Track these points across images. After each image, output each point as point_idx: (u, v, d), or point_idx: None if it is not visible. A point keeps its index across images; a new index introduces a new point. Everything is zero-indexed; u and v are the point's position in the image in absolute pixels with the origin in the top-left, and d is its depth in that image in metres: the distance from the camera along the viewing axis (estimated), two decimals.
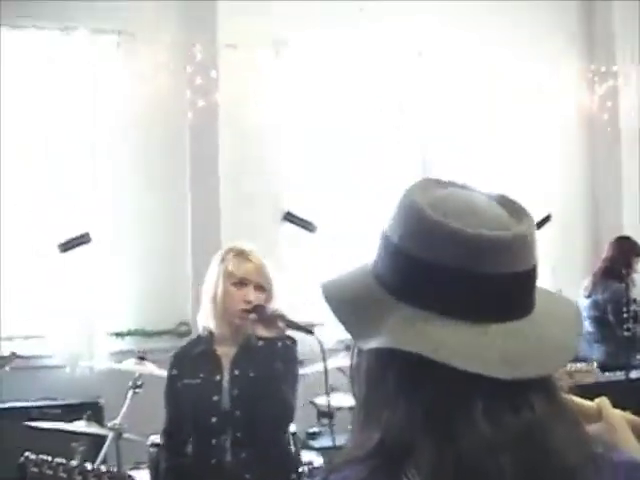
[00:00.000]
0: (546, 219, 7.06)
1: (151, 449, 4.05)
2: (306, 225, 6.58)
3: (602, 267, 6.44)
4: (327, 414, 6.07)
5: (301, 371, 5.59)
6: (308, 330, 3.18)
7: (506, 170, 7.22)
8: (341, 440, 5.76)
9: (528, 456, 1.06)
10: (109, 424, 4.49)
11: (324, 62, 6.80)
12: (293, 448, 3.52)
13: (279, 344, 3.24)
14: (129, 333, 6.19)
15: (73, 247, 5.94)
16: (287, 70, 6.64)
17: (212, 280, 3.34)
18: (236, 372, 3.28)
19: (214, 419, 3.22)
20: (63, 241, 5.95)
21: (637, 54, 7.53)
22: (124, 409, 4.42)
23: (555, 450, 1.08)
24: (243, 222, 6.24)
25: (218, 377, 3.28)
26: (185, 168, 6.32)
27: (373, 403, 1.14)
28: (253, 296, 3.26)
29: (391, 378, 1.11)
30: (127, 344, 6.11)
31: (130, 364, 4.76)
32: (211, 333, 3.36)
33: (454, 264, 1.08)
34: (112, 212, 6.20)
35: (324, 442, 5.49)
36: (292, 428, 4.47)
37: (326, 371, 2.99)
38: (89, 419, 4.51)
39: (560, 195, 7.48)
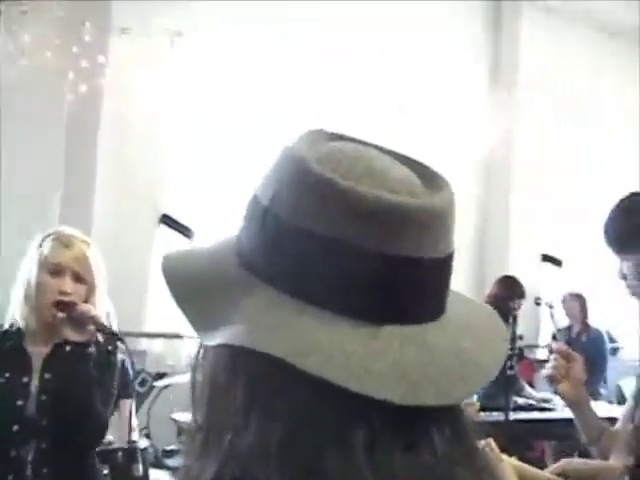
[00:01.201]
0: None
1: None
2: (183, 230, 6.24)
3: (487, 303, 6.34)
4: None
5: (162, 382, 5.42)
6: (119, 338, 2.88)
7: None
8: None
9: None
10: None
11: (220, 58, 6.51)
12: (102, 469, 3.15)
13: (91, 349, 2.84)
14: None
15: None
16: (181, 63, 6.32)
17: (26, 267, 2.91)
18: (47, 375, 2.85)
19: (16, 427, 2.78)
20: None
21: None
22: None
23: None
24: (118, 221, 5.86)
25: (26, 379, 2.84)
26: (59, 156, 5.88)
27: (214, 421, 0.83)
28: (70, 287, 2.83)
29: (240, 388, 0.80)
30: None
31: None
32: (19, 328, 2.91)
33: (338, 236, 0.79)
34: None
35: (180, 461, 5.15)
36: (143, 444, 4.15)
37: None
38: None
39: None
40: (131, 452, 4.11)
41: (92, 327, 2.79)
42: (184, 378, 5.02)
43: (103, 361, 2.89)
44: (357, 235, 0.78)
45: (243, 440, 0.77)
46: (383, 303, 0.80)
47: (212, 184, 6.60)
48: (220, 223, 6.60)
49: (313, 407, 0.77)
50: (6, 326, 2.93)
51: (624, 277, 2.28)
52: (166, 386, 5.45)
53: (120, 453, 3.96)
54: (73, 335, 2.79)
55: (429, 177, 0.86)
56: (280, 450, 0.76)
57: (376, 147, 0.88)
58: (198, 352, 0.87)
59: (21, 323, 2.88)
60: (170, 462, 5.11)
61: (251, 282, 0.83)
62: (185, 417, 4.78)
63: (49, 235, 2.92)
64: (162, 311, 5.64)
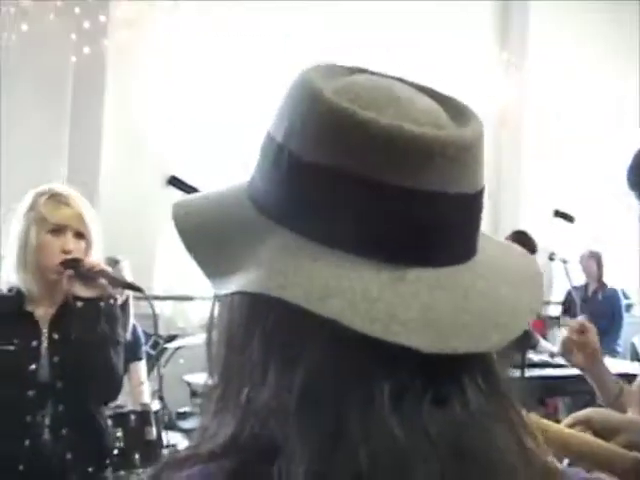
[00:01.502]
0: None
1: None
2: (191, 192, 6.15)
3: None
4: (198, 394, 5.77)
5: (174, 344, 5.39)
6: (135, 287, 2.79)
7: None
8: None
9: (456, 473, 0.71)
10: None
11: (224, 16, 6.38)
12: (109, 427, 3.09)
13: (101, 304, 2.75)
14: None
15: None
16: (184, 24, 6.20)
17: (20, 230, 2.79)
18: (56, 336, 2.78)
19: (31, 392, 2.72)
20: None
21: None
22: None
23: (494, 464, 0.73)
24: (125, 183, 5.81)
25: (35, 342, 2.77)
26: (65, 119, 5.81)
27: (231, 378, 0.78)
28: (73, 245, 2.75)
29: (257, 341, 0.75)
30: None
31: None
32: (19, 291, 2.83)
33: (358, 171, 0.73)
34: None
35: (194, 423, 5.13)
36: (155, 406, 4.12)
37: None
38: None
39: None
40: (144, 415, 4.08)
41: (103, 281, 2.72)
42: (195, 340, 5.00)
43: (113, 315, 2.82)
44: (379, 170, 0.72)
45: (261, 395, 0.73)
46: (409, 243, 0.74)
47: (220, 145, 6.53)
48: (228, 184, 6.54)
49: (334, 358, 0.72)
50: (4, 291, 2.85)
51: None
52: (177, 348, 5.42)
53: (133, 416, 3.93)
54: (84, 291, 2.71)
55: (456, 109, 0.80)
56: (299, 405, 0.71)
57: (398, 79, 0.82)
58: (213, 307, 0.82)
59: (21, 287, 2.80)
60: (183, 424, 5.09)
61: (266, 226, 0.77)
62: (198, 379, 4.75)
63: (42, 194, 2.82)
64: (171, 273, 5.60)
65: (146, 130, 6.09)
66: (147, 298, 2.68)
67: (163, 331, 5.37)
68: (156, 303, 3.13)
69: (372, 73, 0.83)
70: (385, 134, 0.72)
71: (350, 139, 0.73)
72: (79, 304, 2.72)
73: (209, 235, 0.80)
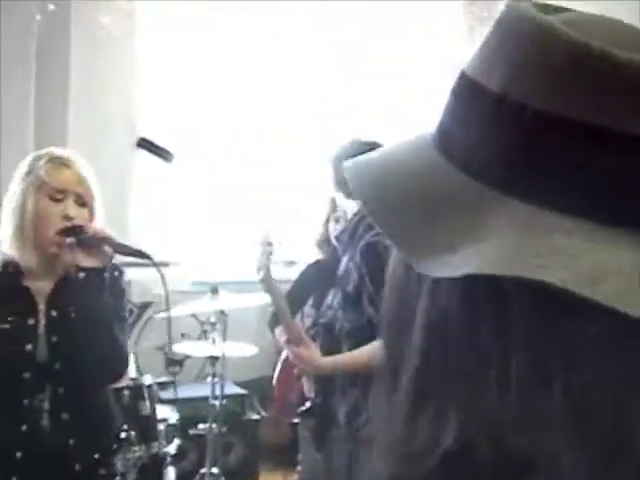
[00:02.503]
0: None
1: None
2: (162, 153, 5.98)
3: None
4: (176, 362, 5.65)
5: (148, 313, 5.25)
6: (143, 254, 2.58)
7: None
8: (188, 391, 5.43)
9: None
10: None
11: None
12: (116, 408, 2.95)
13: (106, 274, 2.58)
14: None
15: None
16: None
17: (17, 195, 2.62)
18: (54, 313, 2.62)
19: (27, 374, 2.57)
20: None
21: None
22: None
23: None
24: (94, 146, 5.59)
25: (32, 321, 2.60)
26: (30, 80, 5.58)
27: (448, 371, 0.64)
28: (74, 211, 2.58)
29: (488, 332, 0.62)
30: None
31: None
32: (15, 265, 2.65)
33: (613, 126, 0.59)
34: None
35: (171, 394, 5.05)
36: (148, 380, 3.99)
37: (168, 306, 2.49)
38: None
39: None
40: (137, 390, 3.96)
41: (108, 249, 2.54)
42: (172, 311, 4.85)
43: (119, 288, 2.68)
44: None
45: (496, 403, 0.60)
46: None
47: (191, 104, 6.32)
48: (201, 145, 6.36)
49: (608, 357, 0.59)
50: None
51: None
52: (150, 317, 5.29)
53: (127, 392, 3.80)
54: (87, 261, 2.52)
55: None
56: (564, 412, 0.59)
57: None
58: (405, 281, 0.69)
59: (17, 259, 2.63)
60: (162, 394, 4.96)
61: (486, 195, 0.63)
62: (174, 348, 4.62)
63: (40, 157, 2.65)
64: (143, 238, 5.43)
65: (114, 90, 5.88)
66: (155, 265, 2.50)
67: (137, 298, 5.23)
68: (132, 270, 2.98)
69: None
70: None
71: (603, 86, 0.60)
72: (81, 275, 2.54)
73: (407, 207, 0.66)
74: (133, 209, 5.88)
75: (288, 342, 3.44)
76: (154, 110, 6.15)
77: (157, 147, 5.97)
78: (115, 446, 2.77)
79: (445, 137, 0.68)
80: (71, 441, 2.58)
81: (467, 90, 0.67)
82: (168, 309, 2.47)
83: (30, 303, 2.63)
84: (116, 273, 2.71)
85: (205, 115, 6.40)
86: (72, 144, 5.53)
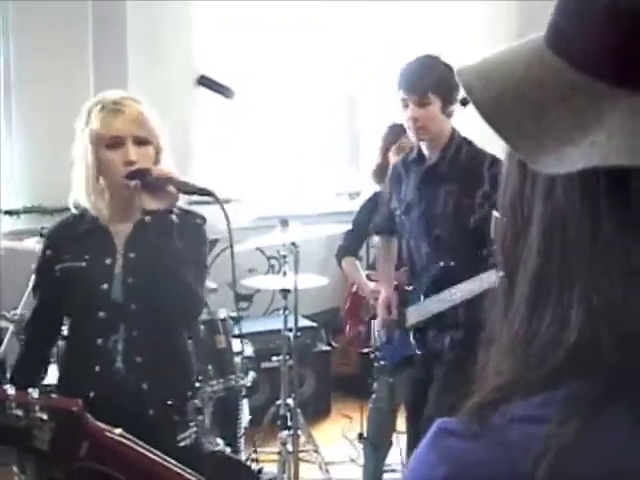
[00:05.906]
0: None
1: (60, 342, 3.38)
2: (223, 91, 5.96)
3: None
4: (245, 297, 5.70)
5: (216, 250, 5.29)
6: (207, 192, 2.54)
7: None
8: (258, 325, 5.47)
9: None
10: (8, 314, 3.92)
11: None
12: (192, 356, 2.86)
13: (174, 217, 2.52)
14: (25, 211, 5.42)
15: None
16: None
17: (79, 149, 2.59)
18: (132, 255, 2.60)
19: (102, 313, 2.56)
20: None
21: None
22: (25, 297, 3.76)
23: None
24: (153, 85, 5.59)
25: (109, 260, 2.59)
26: (87, 22, 5.58)
27: (559, 271, 0.65)
28: (135, 154, 2.52)
29: (608, 227, 0.62)
30: (22, 223, 5.33)
31: (31, 243, 4.11)
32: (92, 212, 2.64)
33: None
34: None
35: (242, 328, 5.07)
36: (222, 314, 4.02)
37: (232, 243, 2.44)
38: None
39: None
40: (212, 323, 4.00)
41: (172, 189, 2.49)
42: (237, 246, 4.86)
43: (190, 233, 2.62)
44: None
45: (616, 294, 0.61)
46: None
47: (250, 40, 6.28)
48: (262, 81, 6.33)
49: None
50: (75, 211, 2.66)
51: None
52: (219, 253, 5.31)
53: (202, 326, 3.85)
54: (152, 203, 2.48)
55: None
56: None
57: None
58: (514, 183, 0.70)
59: (92, 208, 2.61)
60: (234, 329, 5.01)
61: (601, 88, 0.63)
62: (243, 283, 4.65)
63: (95, 105, 2.59)
64: (206, 176, 5.44)
65: (173, 29, 5.86)
66: (220, 203, 2.46)
67: None
68: (198, 208, 2.98)
69: None
70: None
71: None
72: (147, 218, 2.50)
73: (521, 105, 0.66)
74: (196, 147, 5.89)
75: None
76: (213, 48, 6.11)
77: (218, 84, 5.94)
78: (190, 393, 2.72)
79: (558, 35, 0.68)
80: (144, 385, 2.56)
81: None
82: (231, 245, 2.44)
83: (108, 243, 2.62)
84: (198, 221, 2.69)
85: (264, 51, 6.37)
86: (132, 84, 5.55)
